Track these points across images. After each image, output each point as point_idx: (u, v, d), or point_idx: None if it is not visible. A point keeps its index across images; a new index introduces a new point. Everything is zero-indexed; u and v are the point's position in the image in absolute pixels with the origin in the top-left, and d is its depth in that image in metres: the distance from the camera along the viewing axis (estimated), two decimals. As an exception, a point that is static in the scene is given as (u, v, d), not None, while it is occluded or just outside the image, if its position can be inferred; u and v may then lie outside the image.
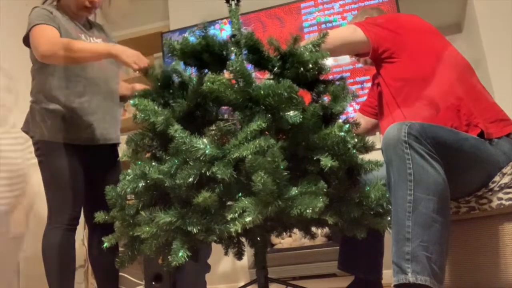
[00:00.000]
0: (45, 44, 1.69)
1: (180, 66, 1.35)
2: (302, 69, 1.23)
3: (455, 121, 1.34)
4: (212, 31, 2.78)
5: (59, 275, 1.71)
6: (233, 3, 1.39)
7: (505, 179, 1.27)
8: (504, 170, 1.28)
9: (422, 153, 1.11)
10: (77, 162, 1.78)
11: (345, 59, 2.57)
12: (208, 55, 1.30)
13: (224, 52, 1.30)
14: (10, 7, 2.57)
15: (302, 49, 1.26)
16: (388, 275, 1.50)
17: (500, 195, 1.27)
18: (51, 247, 1.71)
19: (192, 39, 1.31)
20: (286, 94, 1.11)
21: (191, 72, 1.37)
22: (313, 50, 1.26)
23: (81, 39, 1.84)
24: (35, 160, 1.81)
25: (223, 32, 2.79)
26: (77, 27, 1.89)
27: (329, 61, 1.37)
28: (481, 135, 1.32)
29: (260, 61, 1.28)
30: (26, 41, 1.79)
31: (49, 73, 1.79)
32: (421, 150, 1.11)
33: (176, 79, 1.36)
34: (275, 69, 1.26)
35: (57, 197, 1.75)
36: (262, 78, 1.29)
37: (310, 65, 1.23)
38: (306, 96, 1.38)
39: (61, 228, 1.72)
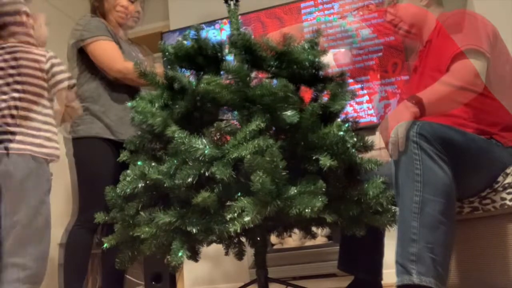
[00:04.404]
0: (120, 63, 1.84)
1: (176, 70, 1.35)
2: (298, 68, 1.23)
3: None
4: (212, 31, 2.78)
5: (76, 274, 1.78)
6: (231, 3, 1.39)
7: (509, 179, 1.27)
8: (508, 170, 1.28)
9: (431, 154, 1.10)
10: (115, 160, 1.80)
11: (345, 58, 2.57)
12: (202, 58, 1.30)
13: (219, 54, 1.30)
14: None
15: (298, 48, 1.26)
16: (388, 275, 1.50)
17: (504, 195, 1.27)
18: (76, 246, 1.78)
19: (188, 42, 1.31)
20: (282, 93, 1.12)
21: (190, 74, 1.37)
22: (309, 48, 1.26)
23: (139, 58, 1.99)
24: None
25: (223, 32, 2.79)
26: (134, 47, 2.05)
27: (327, 59, 1.35)
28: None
29: (256, 61, 1.28)
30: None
31: (99, 81, 1.89)
32: (430, 151, 1.10)
33: (176, 84, 1.36)
34: (272, 68, 1.26)
35: (91, 195, 1.78)
36: (262, 78, 1.29)
37: (307, 64, 1.23)
38: (307, 95, 1.38)
39: (88, 228, 1.78)
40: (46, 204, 1.36)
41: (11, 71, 1.34)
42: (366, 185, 1.22)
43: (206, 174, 1.11)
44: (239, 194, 1.11)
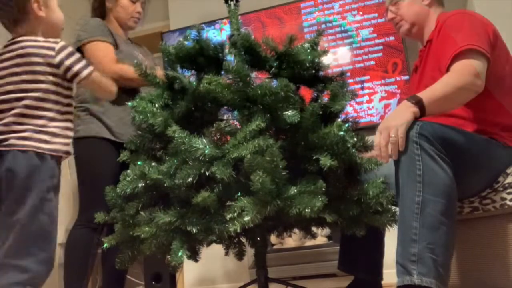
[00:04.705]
0: (116, 64, 1.82)
1: (177, 70, 1.35)
2: (298, 68, 1.23)
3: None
4: (212, 31, 2.78)
5: (76, 274, 1.78)
6: (231, 3, 1.39)
7: (509, 179, 1.27)
8: (508, 170, 1.28)
9: (433, 154, 1.10)
10: (115, 160, 1.80)
11: (346, 58, 2.57)
12: (203, 59, 1.30)
13: (220, 55, 1.30)
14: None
15: (298, 48, 1.26)
16: (388, 275, 1.50)
17: (504, 195, 1.27)
18: (76, 246, 1.78)
19: (189, 43, 1.31)
20: (282, 93, 1.12)
21: (190, 75, 1.37)
22: (309, 49, 1.26)
23: (139, 58, 1.96)
24: None
25: (223, 32, 2.79)
26: (134, 47, 2.02)
27: (327, 59, 1.35)
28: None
29: (257, 61, 1.28)
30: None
31: None
32: (431, 151, 1.10)
33: (177, 84, 1.36)
34: (272, 69, 1.27)
35: (92, 195, 1.78)
36: (262, 78, 1.29)
37: (307, 64, 1.23)
38: (307, 95, 1.38)
39: (89, 228, 1.78)
40: (50, 202, 1.30)
41: (17, 70, 1.32)
42: (366, 185, 1.22)
43: (206, 174, 1.11)
44: (239, 194, 1.11)
